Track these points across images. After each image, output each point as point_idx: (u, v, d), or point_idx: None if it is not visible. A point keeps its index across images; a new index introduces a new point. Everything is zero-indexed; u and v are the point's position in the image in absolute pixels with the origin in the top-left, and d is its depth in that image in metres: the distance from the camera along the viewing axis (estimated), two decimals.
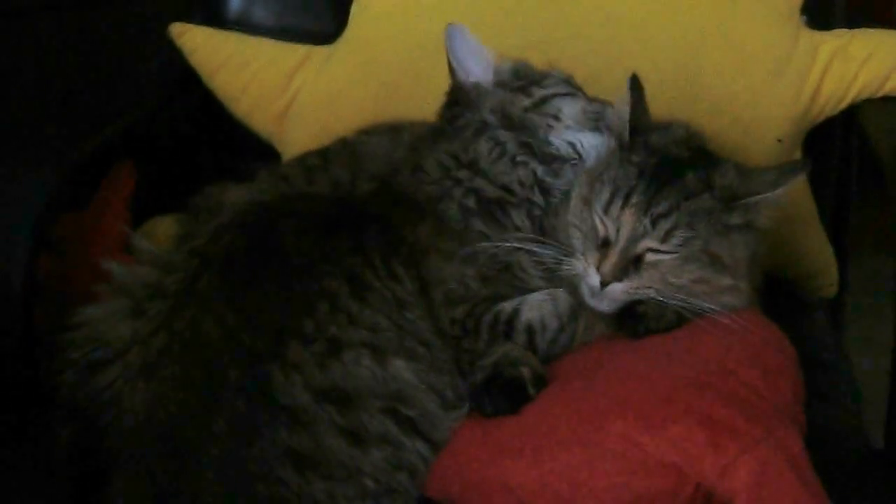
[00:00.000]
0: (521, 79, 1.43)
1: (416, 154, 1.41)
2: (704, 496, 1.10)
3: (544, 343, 1.31)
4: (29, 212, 1.38)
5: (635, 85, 1.33)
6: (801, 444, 1.13)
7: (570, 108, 1.41)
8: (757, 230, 1.31)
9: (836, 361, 1.58)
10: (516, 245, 1.33)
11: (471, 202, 1.37)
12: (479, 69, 1.43)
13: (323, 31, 1.77)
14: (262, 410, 1.13)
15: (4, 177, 1.41)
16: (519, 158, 1.39)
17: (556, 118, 1.40)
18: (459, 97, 1.43)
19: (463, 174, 1.38)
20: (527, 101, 1.41)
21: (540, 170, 1.39)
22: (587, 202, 1.32)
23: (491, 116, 1.40)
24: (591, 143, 1.40)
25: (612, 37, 1.62)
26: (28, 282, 1.36)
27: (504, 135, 1.39)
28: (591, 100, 1.43)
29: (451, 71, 1.43)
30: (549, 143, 1.40)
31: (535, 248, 1.33)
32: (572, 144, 1.40)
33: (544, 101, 1.41)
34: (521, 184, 1.38)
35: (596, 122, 1.41)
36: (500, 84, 1.43)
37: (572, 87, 1.44)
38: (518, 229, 1.37)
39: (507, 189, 1.38)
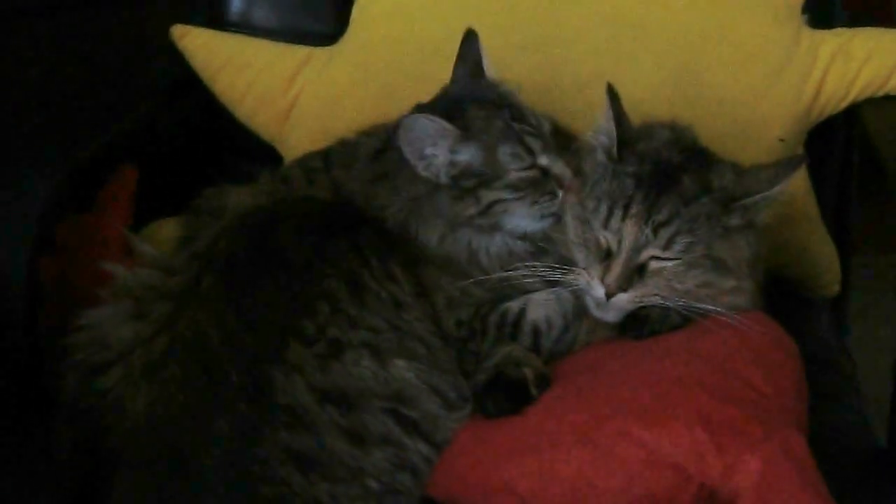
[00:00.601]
0: (474, 175, 1.35)
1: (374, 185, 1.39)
2: (708, 496, 1.10)
3: (549, 343, 1.31)
4: (31, 214, 1.38)
5: (613, 95, 1.33)
6: (804, 443, 1.13)
7: (517, 210, 1.35)
8: (758, 228, 1.31)
9: (839, 360, 1.58)
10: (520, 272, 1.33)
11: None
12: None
13: (324, 32, 1.77)
14: (264, 411, 1.14)
15: (6, 179, 1.41)
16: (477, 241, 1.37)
17: (508, 214, 1.35)
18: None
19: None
20: (473, 210, 1.34)
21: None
22: (584, 220, 1.31)
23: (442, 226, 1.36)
24: (534, 228, 1.36)
25: (613, 36, 1.62)
26: (30, 284, 1.36)
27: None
28: (540, 196, 1.36)
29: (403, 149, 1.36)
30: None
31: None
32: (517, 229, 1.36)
33: (491, 206, 1.34)
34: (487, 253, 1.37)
35: (542, 214, 1.36)
36: (445, 187, 1.35)
37: (522, 183, 1.35)
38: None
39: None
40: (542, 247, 1.36)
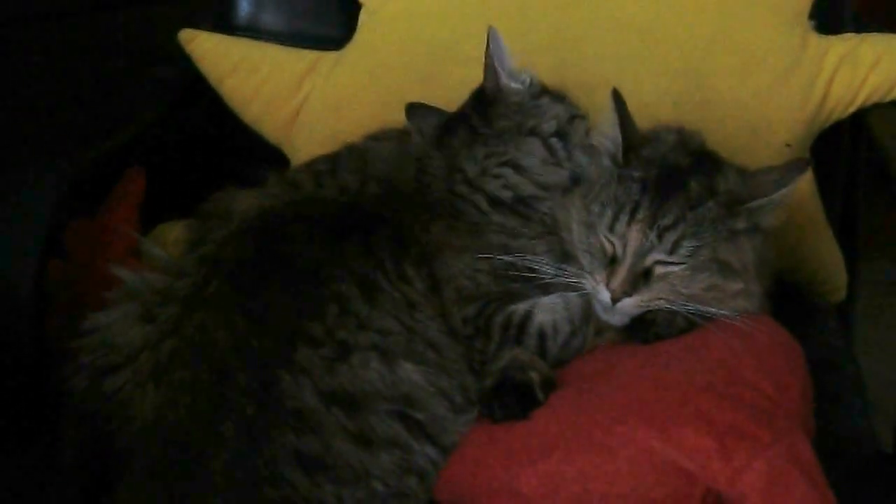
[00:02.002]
0: (547, 93, 1.46)
1: (451, 155, 1.43)
2: (714, 500, 1.10)
3: (556, 347, 1.31)
4: (39, 217, 1.39)
5: (619, 100, 1.33)
6: (810, 448, 1.13)
7: (582, 131, 1.44)
8: (764, 231, 1.31)
9: (845, 365, 1.58)
10: (529, 258, 1.34)
11: (504, 195, 1.39)
12: (515, 73, 1.46)
13: (332, 36, 1.78)
14: (271, 414, 1.14)
15: (15, 182, 1.42)
16: (565, 164, 1.42)
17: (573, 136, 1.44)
18: (498, 99, 1.44)
19: (504, 171, 1.40)
20: (564, 115, 1.44)
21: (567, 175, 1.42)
22: (589, 225, 1.31)
23: (546, 125, 1.43)
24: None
25: (620, 41, 1.62)
26: (38, 287, 1.36)
27: (555, 142, 1.42)
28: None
29: (491, 72, 1.45)
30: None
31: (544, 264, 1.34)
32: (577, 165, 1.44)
33: (570, 120, 1.44)
34: (557, 186, 1.41)
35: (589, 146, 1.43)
36: (538, 95, 1.46)
37: (578, 108, 1.47)
38: (542, 223, 1.39)
39: (544, 188, 1.41)
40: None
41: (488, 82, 1.45)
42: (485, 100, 1.45)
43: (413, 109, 1.50)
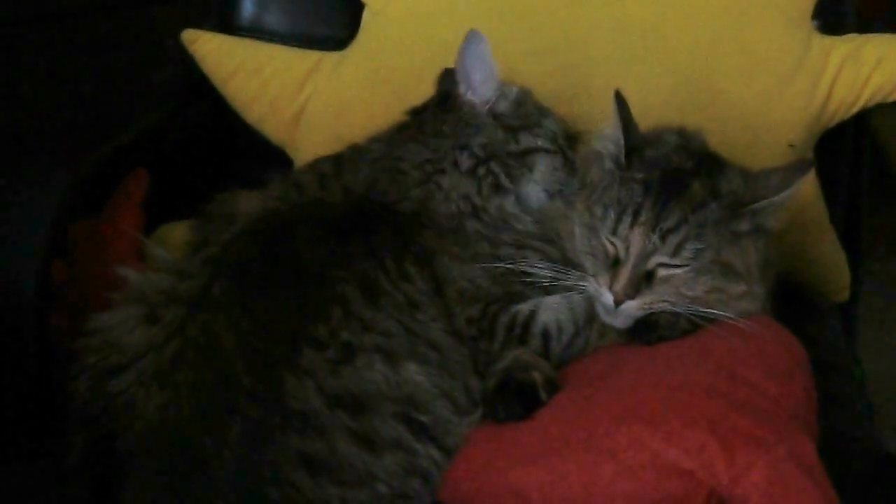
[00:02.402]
0: (519, 117, 1.45)
1: (393, 159, 1.44)
2: (717, 502, 1.10)
3: (559, 348, 1.31)
4: (42, 218, 1.39)
5: (621, 102, 1.33)
6: (813, 449, 1.13)
7: (544, 167, 1.44)
8: (767, 233, 1.31)
9: (848, 366, 1.58)
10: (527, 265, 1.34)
11: (461, 205, 1.40)
12: (482, 86, 1.44)
13: (335, 37, 1.78)
14: (275, 416, 1.14)
15: (19, 183, 1.42)
16: (503, 185, 1.42)
17: (530, 171, 1.44)
18: (453, 108, 1.45)
19: (444, 180, 1.41)
20: (512, 147, 1.43)
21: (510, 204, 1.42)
22: (591, 228, 1.31)
23: (480, 151, 1.42)
24: (539, 201, 1.44)
25: (624, 42, 1.62)
26: (41, 288, 1.36)
27: (482, 171, 1.42)
28: (567, 160, 1.46)
29: (454, 79, 1.45)
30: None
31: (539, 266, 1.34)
32: (527, 196, 1.44)
33: (527, 153, 1.43)
34: (499, 209, 1.41)
35: (559, 185, 1.44)
36: (495, 116, 1.44)
37: (556, 145, 1.46)
38: (521, 232, 1.40)
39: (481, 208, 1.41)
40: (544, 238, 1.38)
41: (452, 88, 1.45)
42: (445, 104, 1.46)
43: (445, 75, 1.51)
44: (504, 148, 1.43)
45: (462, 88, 1.44)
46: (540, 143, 1.44)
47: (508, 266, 1.33)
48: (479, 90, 1.44)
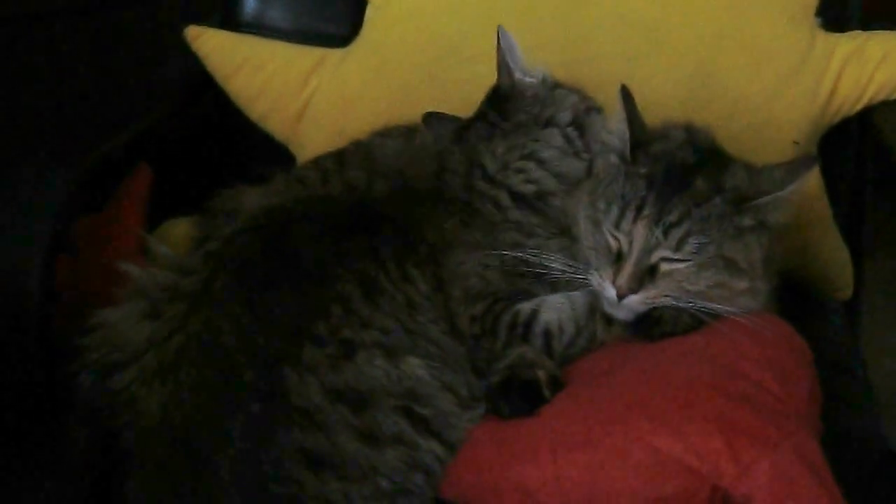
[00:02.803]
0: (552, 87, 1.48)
1: (470, 150, 1.44)
2: (721, 499, 1.10)
3: (561, 346, 1.31)
4: (46, 214, 1.39)
5: (627, 96, 1.33)
6: (817, 447, 1.13)
7: (597, 126, 1.46)
8: (771, 229, 1.31)
9: (851, 363, 1.58)
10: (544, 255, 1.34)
11: (527, 189, 1.41)
12: (524, 71, 1.48)
13: (338, 33, 1.78)
14: (277, 412, 1.14)
15: (22, 179, 1.42)
16: (583, 155, 1.44)
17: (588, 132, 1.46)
18: (513, 94, 1.46)
19: (526, 165, 1.42)
20: (566, 117, 1.45)
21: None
22: (595, 221, 1.31)
23: (562, 114, 1.44)
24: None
25: (627, 38, 1.62)
26: (45, 284, 1.36)
27: (572, 132, 1.44)
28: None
29: (504, 69, 1.46)
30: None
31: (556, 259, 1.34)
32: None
33: (580, 115, 1.46)
34: (575, 177, 1.43)
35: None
36: (553, 87, 1.48)
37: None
38: (557, 221, 1.40)
39: (564, 180, 1.42)
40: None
41: (502, 79, 1.47)
42: (500, 96, 1.46)
43: (430, 118, 1.51)
44: (585, 104, 1.45)
45: (517, 75, 1.46)
46: (588, 102, 1.46)
47: (526, 257, 1.33)
48: (527, 72, 1.47)
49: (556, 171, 1.42)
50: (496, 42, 1.45)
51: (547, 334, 1.31)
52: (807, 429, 1.15)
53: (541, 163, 1.42)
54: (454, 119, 1.50)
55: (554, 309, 1.32)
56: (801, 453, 1.11)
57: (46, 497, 1.22)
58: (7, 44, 1.70)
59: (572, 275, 1.31)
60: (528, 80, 1.47)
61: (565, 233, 1.38)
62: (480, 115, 1.48)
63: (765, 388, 1.18)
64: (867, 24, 1.70)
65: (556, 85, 1.48)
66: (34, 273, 1.34)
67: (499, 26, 1.44)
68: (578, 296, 1.33)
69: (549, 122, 1.44)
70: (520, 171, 1.42)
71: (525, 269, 1.33)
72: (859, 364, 1.59)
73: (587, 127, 1.44)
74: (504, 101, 1.46)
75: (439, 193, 1.40)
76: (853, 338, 1.70)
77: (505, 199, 1.40)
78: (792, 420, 1.15)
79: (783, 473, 1.09)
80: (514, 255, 1.33)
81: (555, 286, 1.34)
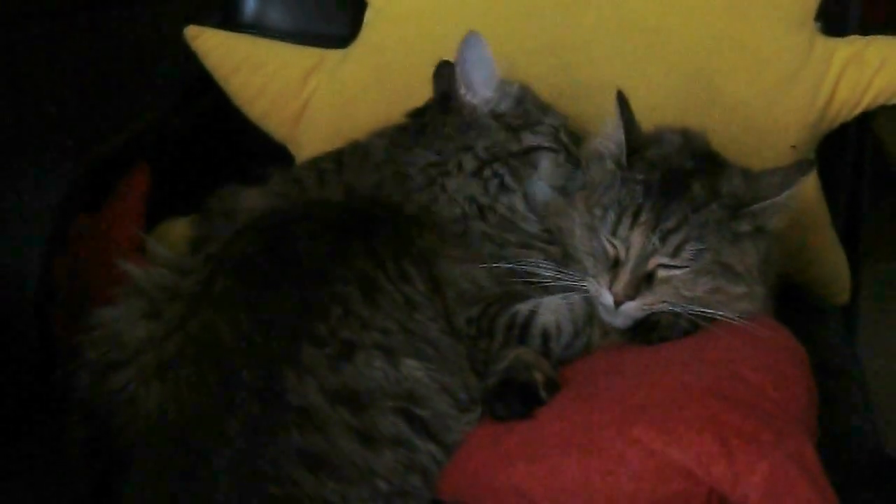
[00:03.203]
0: (520, 116, 1.45)
1: (397, 162, 1.44)
2: (718, 502, 1.10)
3: (559, 348, 1.31)
4: (45, 214, 1.39)
5: (623, 102, 1.33)
6: (813, 450, 1.13)
7: (548, 164, 1.44)
8: (768, 233, 1.31)
9: (848, 368, 1.58)
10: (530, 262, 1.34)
11: (466, 208, 1.40)
12: (483, 86, 1.44)
13: (337, 34, 1.78)
14: (275, 412, 1.14)
15: (21, 179, 1.42)
16: (509, 186, 1.42)
17: (535, 169, 1.44)
18: (453, 109, 1.45)
19: (449, 182, 1.41)
20: (515, 147, 1.43)
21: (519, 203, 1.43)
22: (591, 228, 1.31)
23: (484, 153, 1.42)
24: (545, 198, 1.44)
25: (626, 41, 1.62)
26: (43, 283, 1.36)
27: (488, 172, 1.42)
28: (571, 155, 1.45)
29: (452, 81, 1.45)
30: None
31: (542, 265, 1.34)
32: (532, 195, 1.44)
33: (529, 151, 1.43)
34: (510, 209, 1.42)
35: (564, 181, 1.44)
36: (496, 116, 1.45)
37: (558, 142, 1.46)
38: (527, 232, 1.40)
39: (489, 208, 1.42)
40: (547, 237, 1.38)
41: (451, 90, 1.45)
42: (446, 105, 1.46)
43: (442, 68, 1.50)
44: (507, 148, 1.43)
45: (462, 90, 1.44)
46: (542, 141, 1.44)
47: (512, 266, 1.33)
48: (479, 91, 1.44)
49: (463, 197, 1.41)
50: (461, 47, 1.42)
51: (545, 335, 1.31)
52: (803, 432, 1.15)
53: (443, 190, 1.41)
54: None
55: (552, 310, 1.32)
56: (798, 457, 1.11)
57: (45, 496, 1.22)
58: (7, 42, 1.70)
59: (565, 281, 1.32)
60: (470, 99, 1.44)
61: (547, 242, 1.38)
62: (421, 114, 1.48)
63: (762, 392, 1.18)
64: (866, 30, 1.70)
65: (537, 106, 1.46)
66: (33, 272, 1.34)
67: (469, 32, 1.42)
68: (577, 297, 1.33)
69: (466, 149, 1.43)
70: (443, 188, 1.41)
71: (514, 278, 1.33)
72: (856, 368, 1.59)
73: (518, 170, 1.42)
74: (447, 112, 1.45)
75: (403, 206, 1.40)
76: (850, 342, 1.70)
77: (455, 211, 1.40)
78: (788, 424, 1.15)
79: (779, 477, 1.09)
80: (500, 265, 1.33)
81: (549, 291, 1.34)
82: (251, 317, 1.19)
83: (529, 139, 1.44)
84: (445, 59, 1.49)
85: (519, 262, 1.34)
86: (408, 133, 1.47)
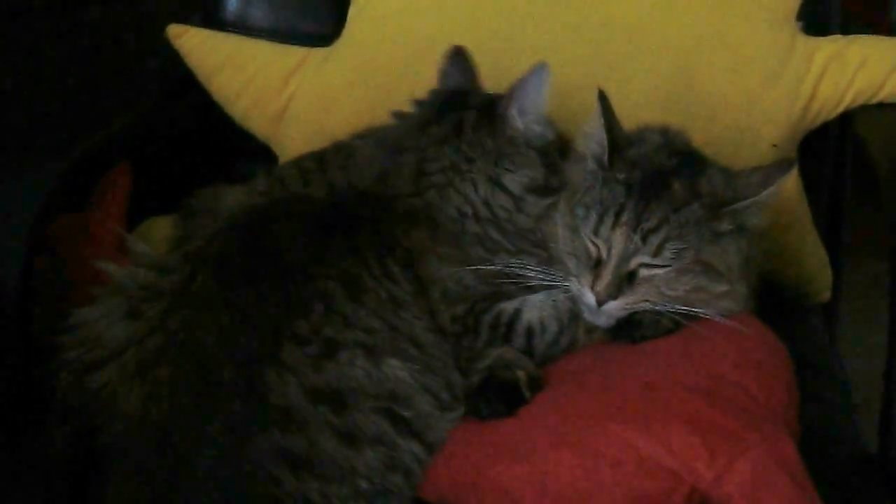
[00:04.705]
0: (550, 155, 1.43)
1: (420, 156, 1.40)
2: (699, 499, 1.10)
3: (543, 345, 1.32)
4: (26, 213, 1.38)
5: (605, 102, 1.32)
6: (794, 448, 1.14)
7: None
8: (749, 232, 1.31)
9: (829, 365, 1.58)
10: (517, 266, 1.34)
11: (465, 210, 1.38)
12: (533, 116, 1.41)
13: (320, 33, 1.78)
14: (257, 411, 1.14)
15: (2, 177, 1.41)
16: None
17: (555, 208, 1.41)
18: (498, 121, 1.40)
19: (465, 188, 1.38)
20: (555, 183, 1.41)
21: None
22: (573, 228, 1.31)
23: (526, 179, 1.39)
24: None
25: (608, 40, 1.62)
26: (24, 283, 1.35)
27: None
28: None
29: (507, 97, 1.40)
30: None
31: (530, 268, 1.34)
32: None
33: (556, 191, 1.41)
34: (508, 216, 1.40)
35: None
36: (534, 147, 1.41)
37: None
38: (520, 236, 1.39)
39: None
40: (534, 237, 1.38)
41: (501, 103, 1.41)
42: (490, 112, 1.41)
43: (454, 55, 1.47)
44: (538, 182, 1.40)
45: (514, 110, 1.39)
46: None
47: (499, 269, 1.33)
48: (528, 119, 1.40)
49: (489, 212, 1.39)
50: (528, 73, 1.38)
51: (529, 333, 1.31)
52: (784, 430, 1.16)
53: (459, 193, 1.39)
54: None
55: (536, 308, 1.33)
56: (779, 454, 1.11)
57: (24, 496, 1.22)
58: None
59: (549, 282, 1.32)
60: (516, 122, 1.40)
61: (536, 246, 1.38)
62: (459, 105, 1.43)
63: (743, 390, 1.18)
64: (847, 29, 1.70)
65: (552, 150, 1.43)
66: (13, 272, 1.34)
67: (540, 63, 1.38)
68: (561, 296, 1.33)
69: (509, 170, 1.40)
70: (459, 192, 1.38)
71: (501, 279, 1.33)
72: (837, 365, 1.60)
73: (527, 204, 1.40)
74: (490, 118, 1.40)
75: (405, 201, 1.38)
76: (831, 339, 1.71)
77: (454, 212, 1.38)
78: (769, 421, 1.16)
79: (760, 474, 1.09)
80: (486, 268, 1.33)
81: (534, 290, 1.34)
82: (232, 315, 1.18)
83: (556, 181, 1.40)
84: (459, 45, 1.45)
85: (508, 265, 1.34)
86: (441, 126, 1.41)
